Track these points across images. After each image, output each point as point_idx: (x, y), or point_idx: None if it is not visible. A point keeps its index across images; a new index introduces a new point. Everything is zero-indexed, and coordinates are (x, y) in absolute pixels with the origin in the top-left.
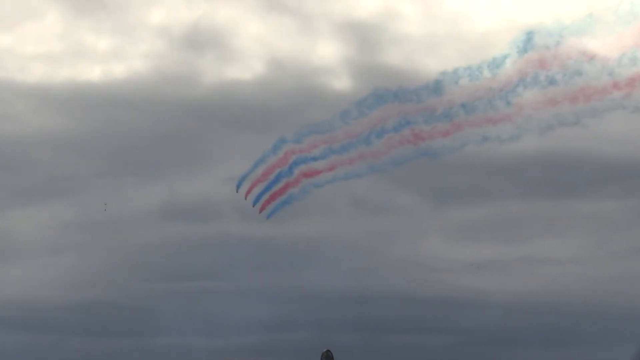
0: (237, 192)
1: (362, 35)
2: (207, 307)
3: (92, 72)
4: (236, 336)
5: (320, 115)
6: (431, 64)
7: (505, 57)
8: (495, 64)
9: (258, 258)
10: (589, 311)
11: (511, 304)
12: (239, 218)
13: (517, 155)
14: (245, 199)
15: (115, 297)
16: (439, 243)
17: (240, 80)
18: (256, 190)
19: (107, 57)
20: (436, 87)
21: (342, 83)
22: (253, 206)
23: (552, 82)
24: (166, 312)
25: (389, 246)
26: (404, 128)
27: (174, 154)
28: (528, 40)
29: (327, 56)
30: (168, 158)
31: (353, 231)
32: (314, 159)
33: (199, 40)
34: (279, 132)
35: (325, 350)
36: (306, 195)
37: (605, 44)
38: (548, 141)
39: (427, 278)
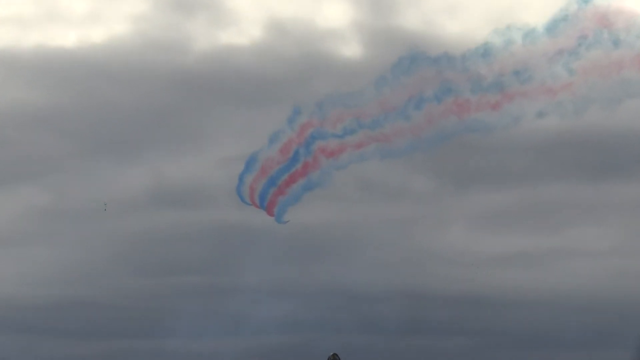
0: (238, 196)
1: None
2: (202, 306)
3: (67, 37)
4: (234, 338)
5: (326, 87)
6: (453, 28)
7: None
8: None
9: (258, 250)
10: (632, 310)
11: (543, 302)
12: (236, 204)
13: (550, 132)
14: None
15: (96, 294)
16: (461, 233)
17: (235, 47)
18: (258, 187)
19: (84, 20)
20: (484, 51)
21: (352, 49)
22: (262, 209)
23: (616, 43)
24: (155, 311)
25: (404, 237)
26: (446, 98)
27: (161, 131)
28: None
29: (334, 19)
30: (154, 136)
31: (363, 220)
32: (337, 136)
33: (189, 0)
34: (280, 105)
35: (332, 354)
36: (327, 179)
37: None
38: (588, 115)
39: (447, 273)
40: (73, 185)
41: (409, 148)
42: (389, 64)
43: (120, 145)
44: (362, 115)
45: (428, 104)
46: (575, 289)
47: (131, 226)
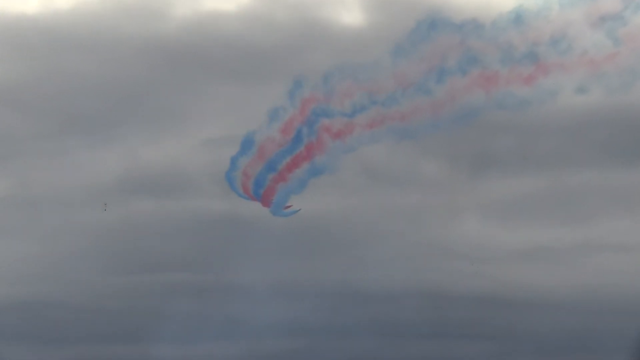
0: (228, 182)
1: None
2: (191, 307)
3: (28, 2)
4: (229, 343)
5: (326, 58)
6: None
7: None
8: None
9: (251, 245)
10: None
11: (570, 302)
12: (221, 192)
13: (589, 110)
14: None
15: (63, 294)
16: (476, 225)
17: (221, 13)
18: (253, 172)
19: None
20: (516, 17)
21: (353, 17)
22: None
23: None
24: (136, 313)
25: (412, 229)
26: (471, 70)
27: (137, 108)
28: None
29: None
30: (130, 114)
31: (367, 209)
32: (345, 114)
33: None
34: (274, 79)
35: None
36: (334, 164)
37: None
38: (635, 91)
39: (461, 269)
40: (36, 171)
41: (428, 128)
42: (399, 31)
43: (90, 124)
44: (375, 90)
45: (451, 78)
46: (606, 288)
47: (104, 217)
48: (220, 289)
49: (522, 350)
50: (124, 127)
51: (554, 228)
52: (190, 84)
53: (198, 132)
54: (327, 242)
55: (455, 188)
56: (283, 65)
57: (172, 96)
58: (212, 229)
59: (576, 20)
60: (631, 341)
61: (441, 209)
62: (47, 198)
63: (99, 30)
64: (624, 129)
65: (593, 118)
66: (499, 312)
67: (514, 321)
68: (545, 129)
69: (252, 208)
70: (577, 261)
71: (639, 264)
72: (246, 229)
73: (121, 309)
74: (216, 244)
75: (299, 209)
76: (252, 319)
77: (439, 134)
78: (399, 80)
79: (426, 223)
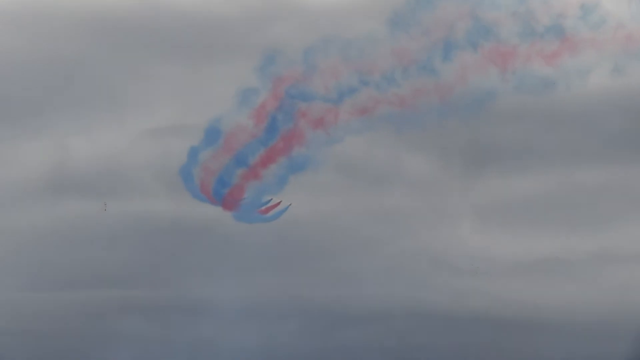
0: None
1: None
2: (139, 330)
3: None
4: None
5: (304, 32)
6: None
7: None
8: None
9: (197, 254)
10: None
11: (584, 323)
12: (168, 191)
13: (590, 97)
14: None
15: None
16: (471, 232)
17: None
18: (216, 167)
19: None
20: None
21: None
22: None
23: None
24: (63, 337)
25: (396, 236)
26: (484, 44)
27: (67, 92)
28: None
29: None
30: (58, 99)
31: (346, 213)
32: (327, 99)
33: None
34: (229, 59)
35: None
36: (315, 159)
37: None
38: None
39: (454, 285)
40: None
41: (431, 116)
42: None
43: (11, 111)
44: (366, 69)
45: (459, 54)
46: (628, 306)
47: (28, 221)
48: (182, 308)
49: None
50: (52, 114)
51: (566, 235)
52: (134, 62)
53: (141, 121)
54: (287, 252)
55: (448, 188)
56: (250, 39)
57: (110, 78)
58: (162, 237)
59: None
60: None
61: (431, 213)
62: None
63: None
64: None
65: (622, 104)
66: (499, 334)
67: (519, 346)
68: (561, 117)
69: (213, 212)
70: (593, 275)
71: None
72: (206, 237)
73: (53, 331)
74: (163, 255)
75: (288, 205)
76: (221, 343)
77: (439, 124)
78: (395, 57)
79: (414, 229)
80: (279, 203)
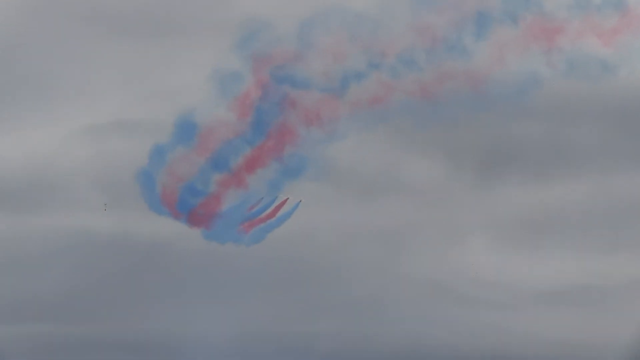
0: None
1: None
2: None
3: None
4: None
5: (285, 2)
6: None
7: None
8: None
9: (149, 280)
10: None
11: None
12: (114, 203)
13: (623, 91)
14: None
15: None
16: (484, 253)
17: None
18: (185, 173)
19: None
20: None
21: None
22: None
23: None
24: None
25: (392, 258)
26: (522, 17)
27: None
28: None
29: None
30: None
31: (328, 229)
32: (327, 87)
33: None
34: (198, 35)
35: None
36: (317, 162)
37: None
38: None
39: (463, 319)
40: None
41: (460, 108)
42: None
43: None
44: (377, 49)
45: (493, 31)
46: None
47: None
48: (150, 346)
49: None
50: None
51: (602, 257)
52: (71, 43)
53: (82, 115)
54: (281, 280)
55: (457, 198)
56: (227, 9)
57: (42, 62)
58: (105, 259)
59: None
60: None
61: (437, 229)
62: None
63: None
64: None
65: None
66: None
67: None
68: (616, 111)
69: (173, 228)
70: (631, 304)
71: None
72: (162, 259)
73: None
74: (105, 279)
75: (298, 202)
76: None
77: (464, 119)
78: (416, 34)
79: (415, 250)
80: (285, 201)
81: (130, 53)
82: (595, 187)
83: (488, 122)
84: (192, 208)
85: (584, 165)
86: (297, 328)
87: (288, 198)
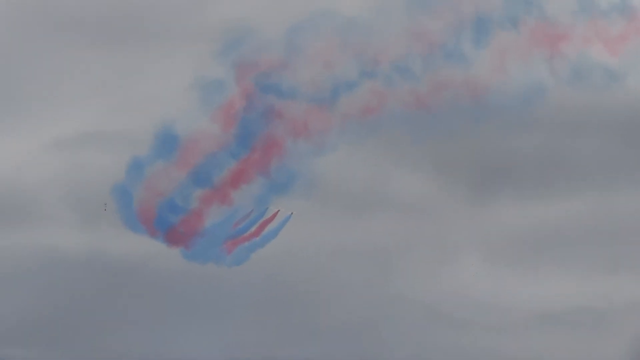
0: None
1: None
2: None
3: None
4: None
5: (272, 6)
6: None
7: None
8: None
9: (119, 301)
10: None
11: None
12: (85, 220)
13: (630, 101)
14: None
15: None
16: (478, 273)
17: None
18: (165, 188)
19: None
20: None
21: None
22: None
23: None
24: None
25: (381, 278)
26: (524, 21)
27: None
28: None
29: None
30: None
31: (317, 248)
32: (317, 97)
33: None
34: (179, 42)
35: None
36: (307, 177)
37: None
38: None
39: (456, 343)
40: None
41: (459, 120)
42: None
43: None
44: (369, 56)
45: (493, 36)
46: None
47: None
48: None
49: None
50: None
51: (602, 278)
52: (41, 49)
53: (53, 127)
54: (265, 303)
55: (450, 216)
56: (210, 14)
57: (10, 70)
58: (77, 279)
59: None
60: None
61: (428, 248)
62: None
63: None
64: None
65: None
66: None
67: None
68: (620, 123)
69: (150, 247)
70: (632, 328)
71: None
72: (136, 280)
73: None
74: (73, 299)
75: (289, 215)
76: None
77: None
78: (412, 40)
79: (405, 270)
80: (276, 214)
81: (105, 60)
82: (596, 203)
83: (486, 135)
84: (171, 225)
85: (584, 180)
86: (282, 353)
87: (279, 210)
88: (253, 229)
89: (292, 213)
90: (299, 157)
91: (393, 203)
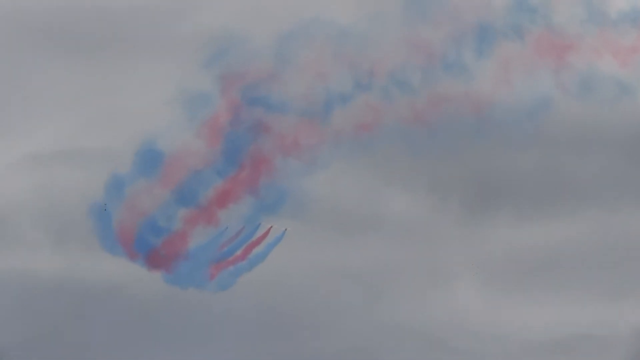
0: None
1: None
2: None
3: None
4: None
5: (260, 15)
6: None
7: None
8: None
9: (96, 327)
10: None
11: None
12: (58, 242)
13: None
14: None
15: None
16: (473, 298)
17: None
18: (148, 207)
19: None
20: None
21: None
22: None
23: None
24: None
25: (371, 304)
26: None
27: None
28: None
29: None
30: None
31: (305, 272)
32: (307, 111)
33: None
34: (149, 55)
35: None
36: (298, 195)
37: None
38: None
39: None
40: None
41: (460, 135)
42: None
43: None
44: (363, 68)
45: (495, 48)
46: None
47: None
48: None
49: None
50: None
51: (603, 304)
52: (15, 60)
53: (25, 142)
54: (253, 329)
55: (446, 238)
56: (194, 22)
57: None
58: (50, 304)
59: None
60: None
61: (421, 271)
62: None
63: None
64: None
65: None
66: None
67: None
68: (612, 139)
69: (128, 270)
70: (637, 356)
71: None
72: (114, 305)
73: None
74: (43, 329)
75: (284, 231)
76: None
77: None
78: (409, 51)
79: (396, 295)
80: (269, 230)
81: (82, 71)
82: (599, 225)
83: (486, 152)
84: (152, 248)
85: (588, 200)
86: None
87: (272, 226)
88: (239, 251)
89: (286, 229)
90: (289, 175)
91: (386, 224)
